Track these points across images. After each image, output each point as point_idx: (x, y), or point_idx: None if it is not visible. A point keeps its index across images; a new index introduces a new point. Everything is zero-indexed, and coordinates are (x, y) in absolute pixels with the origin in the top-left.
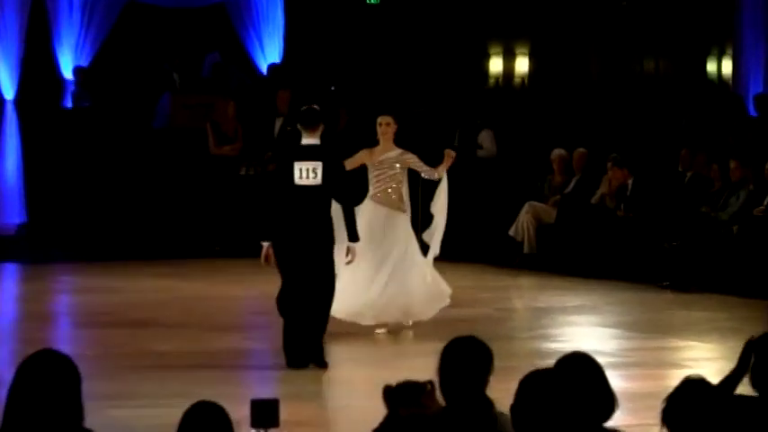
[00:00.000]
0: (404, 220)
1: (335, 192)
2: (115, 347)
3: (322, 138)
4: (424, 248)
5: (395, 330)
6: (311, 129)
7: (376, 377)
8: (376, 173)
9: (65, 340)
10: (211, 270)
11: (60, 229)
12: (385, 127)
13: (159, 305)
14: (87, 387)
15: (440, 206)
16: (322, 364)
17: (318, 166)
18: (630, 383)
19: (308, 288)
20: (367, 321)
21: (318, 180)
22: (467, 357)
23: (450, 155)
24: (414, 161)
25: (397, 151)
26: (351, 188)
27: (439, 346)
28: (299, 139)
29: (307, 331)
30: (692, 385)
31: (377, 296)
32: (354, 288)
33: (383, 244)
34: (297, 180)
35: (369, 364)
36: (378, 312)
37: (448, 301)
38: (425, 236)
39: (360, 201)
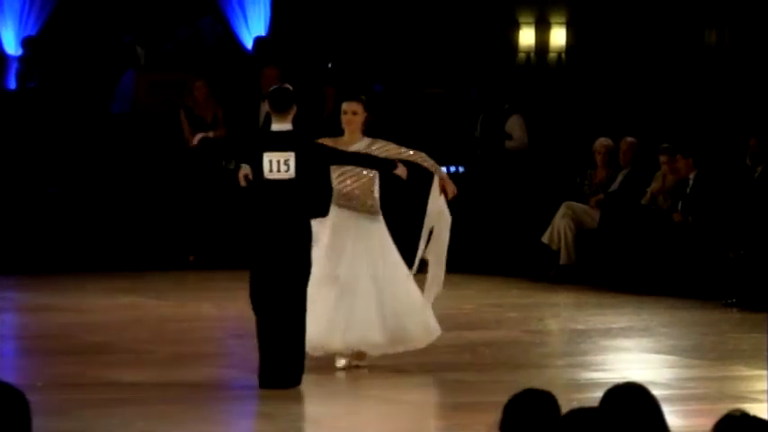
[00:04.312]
0: (378, 227)
1: (312, 188)
2: (67, 377)
3: (295, 123)
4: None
5: (359, 363)
6: (281, 112)
7: (382, 413)
8: (339, 170)
9: (8, 368)
10: (183, 285)
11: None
12: (350, 116)
13: (120, 327)
14: (35, 425)
15: (437, 252)
16: (294, 383)
17: (291, 156)
18: (689, 421)
19: (280, 293)
20: (334, 347)
21: (291, 173)
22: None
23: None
24: (389, 149)
25: (364, 142)
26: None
27: (454, 375)
28: (269, 126)
29: (282, 346)
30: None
31: (343, 319)
32: (319, 313)
33: (353, 256)
34: (266, 173)
35: (373, 399)
36: (345, 337)
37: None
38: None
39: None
